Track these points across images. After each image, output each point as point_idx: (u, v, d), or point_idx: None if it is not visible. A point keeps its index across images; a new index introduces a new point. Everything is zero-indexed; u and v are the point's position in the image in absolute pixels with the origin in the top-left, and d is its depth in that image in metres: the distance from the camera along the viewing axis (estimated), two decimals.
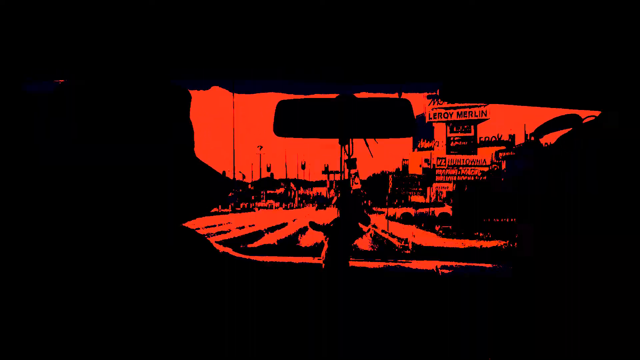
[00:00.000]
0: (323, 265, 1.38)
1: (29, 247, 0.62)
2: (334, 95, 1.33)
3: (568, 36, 0.87)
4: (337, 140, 1.37)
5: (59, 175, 0.65)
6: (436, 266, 1.52)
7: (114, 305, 0.64)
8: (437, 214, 24.25)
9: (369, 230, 1.44)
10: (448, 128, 30.21)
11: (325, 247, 1.39)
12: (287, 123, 1.32)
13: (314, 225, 1.43)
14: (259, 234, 18.05)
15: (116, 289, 0.64)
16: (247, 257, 1.50)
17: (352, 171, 1.38)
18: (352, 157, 1.37)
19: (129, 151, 0.67)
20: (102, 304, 0.63)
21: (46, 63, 0.98)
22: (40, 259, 0.62)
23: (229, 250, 1.49)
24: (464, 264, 1.55)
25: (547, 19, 0.84)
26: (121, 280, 0.65)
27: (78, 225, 0.64)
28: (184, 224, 0.79)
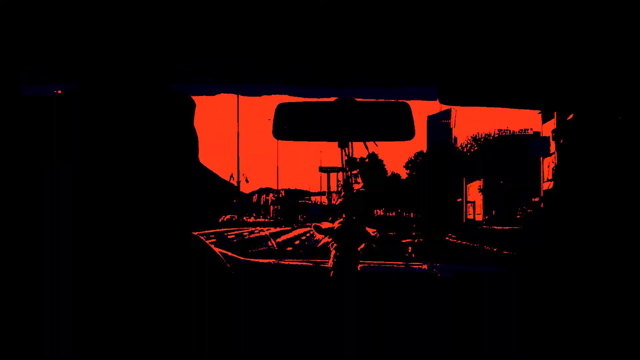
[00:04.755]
0: (331, 273, 1.33)
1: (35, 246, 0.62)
2: (333, 99, 1.33)
3: (569, 38, 0.87)
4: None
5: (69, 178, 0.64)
6: (437, 269, 1.51)
7: (116, 310, 0.63)
8: None
9: (375, 234, 1.41)
10: None
11: (333, 252, 1.35)
12: (287, 126, 1.32)
13: (319, 229, 1.40)
14: None
15: (121, 296, 0.64)
16: (254, 260, 1.49)
17: (354, 172, 1.37)
18: (352, 157, 1.36)
19: (138, 159, 0.67)
20: (105, 309, 0.63)
21: (46, 67, 0.98)
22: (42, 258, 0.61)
23: (235, 255, 1.48)
24: (464, 266, 1.54)
25: (548, 20, 0.83)
26: (127, 285, 0.64)
27: (86, 228, 0.64)
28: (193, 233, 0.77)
